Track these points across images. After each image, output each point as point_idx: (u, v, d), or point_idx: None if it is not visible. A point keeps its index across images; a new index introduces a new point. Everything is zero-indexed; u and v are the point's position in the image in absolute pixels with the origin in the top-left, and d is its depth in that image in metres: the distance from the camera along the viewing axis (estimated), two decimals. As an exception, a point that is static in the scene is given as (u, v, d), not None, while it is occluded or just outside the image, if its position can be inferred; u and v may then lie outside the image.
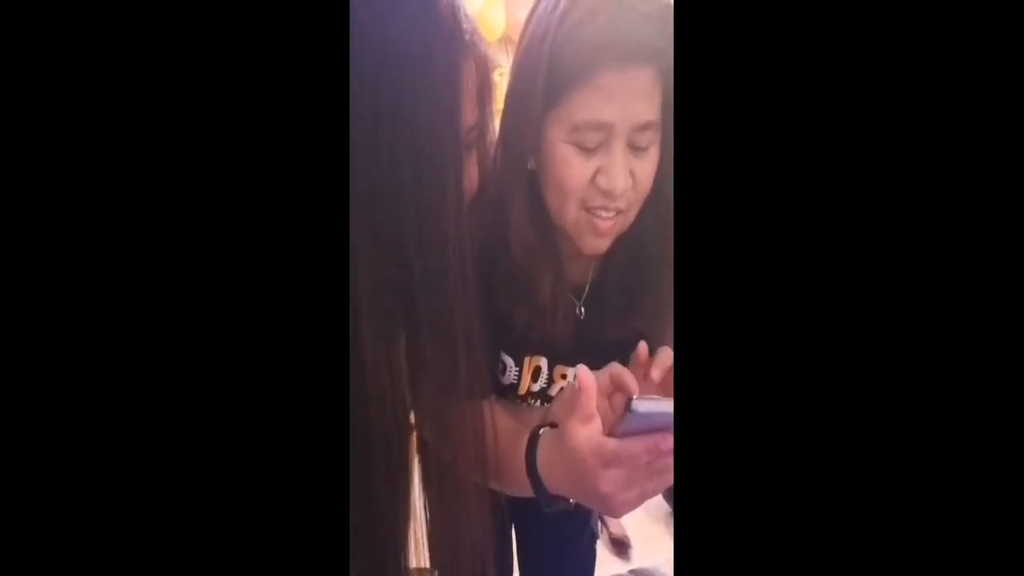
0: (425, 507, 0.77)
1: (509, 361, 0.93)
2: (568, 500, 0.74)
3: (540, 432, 0.76)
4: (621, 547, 2.33)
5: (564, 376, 0.95)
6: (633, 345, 0.86)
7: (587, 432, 0.67)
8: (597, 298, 0.90)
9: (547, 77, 0.74)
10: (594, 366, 0.88)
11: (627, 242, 0.85)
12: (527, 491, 0.74)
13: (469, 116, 0.63)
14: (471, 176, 0.66)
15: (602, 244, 0.81)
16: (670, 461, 0.66)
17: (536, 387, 0.97)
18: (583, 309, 0.90)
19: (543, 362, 0.96)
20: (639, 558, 2.34)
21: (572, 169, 0.76)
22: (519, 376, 0.93)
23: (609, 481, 0.65)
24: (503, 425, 0.78)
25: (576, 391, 0.68)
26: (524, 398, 0.97)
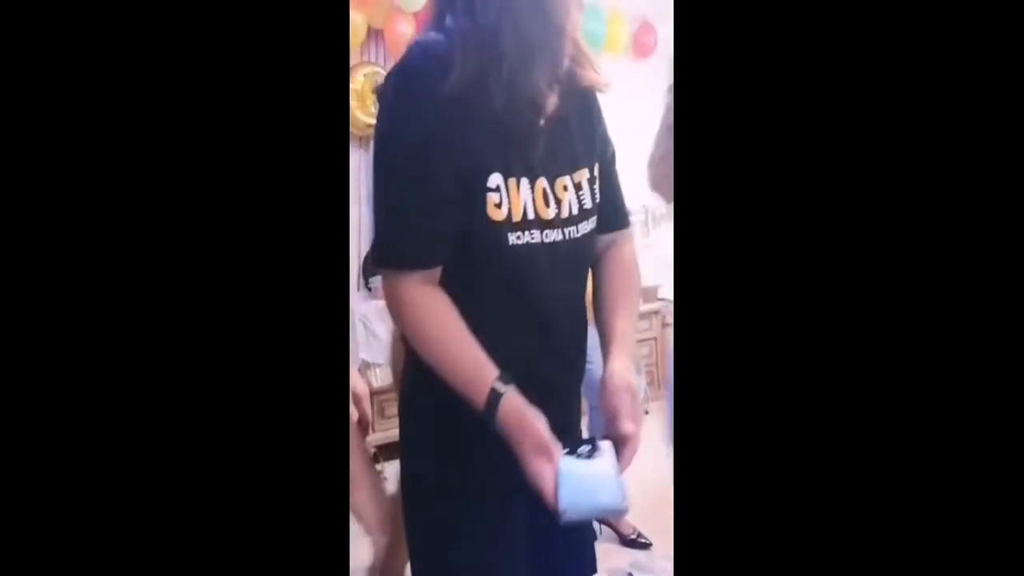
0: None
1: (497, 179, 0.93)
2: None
3: (503, 392, 0.88)
4: (637, 545, 2.33)
5: (566, 188, 0.97)
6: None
7: (540, 464, 0.87)
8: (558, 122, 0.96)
9: None
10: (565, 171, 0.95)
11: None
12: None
13: None
14: None
15: None
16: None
17: (551, 213, 0.96)
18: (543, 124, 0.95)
19: (544, 183, 0.95)
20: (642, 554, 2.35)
21: None
22: (508, 200, 0.93)
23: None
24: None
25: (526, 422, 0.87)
26: (522, 226, 0.95)
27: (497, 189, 0.91)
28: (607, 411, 0.96)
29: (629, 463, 0.95)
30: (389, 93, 0.92)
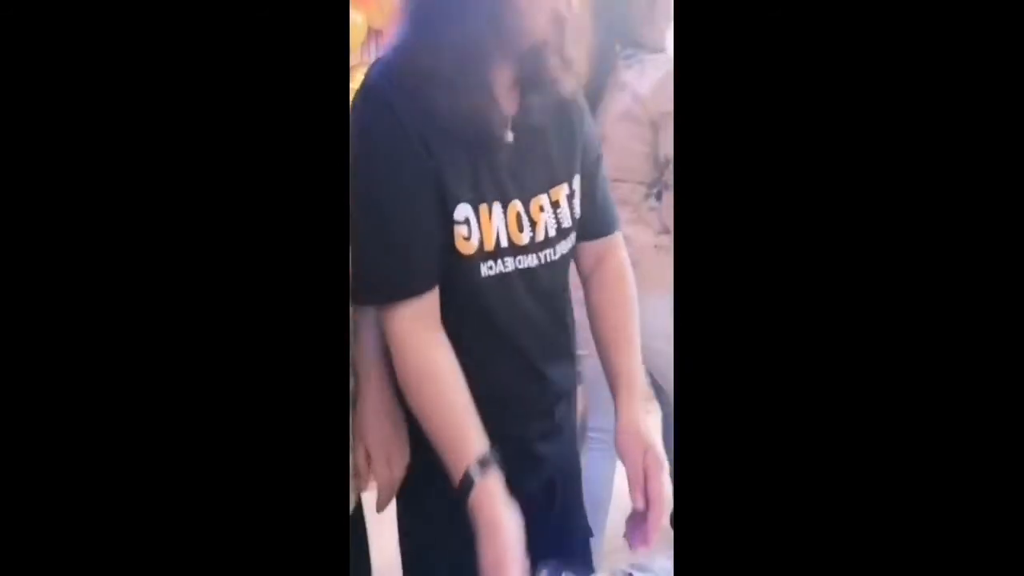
0: None
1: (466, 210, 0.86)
2: None
3: (475, 480, 0.80)
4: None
5: (542, 208, 0.90)
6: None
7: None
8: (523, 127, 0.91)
9: None
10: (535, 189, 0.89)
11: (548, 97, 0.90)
12: None
13: None
14: None
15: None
16: None
17: (525, 238, 0.89)
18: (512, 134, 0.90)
19: (519, 206, 0.88)
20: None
21: None
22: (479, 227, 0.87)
23: None
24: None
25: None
26: (495, 255, 0.89)
27: (465, 222, 0.85)
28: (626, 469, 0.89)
29: (656, 533, 0.87)
30: (355, 121, 0.84)
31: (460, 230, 0.86)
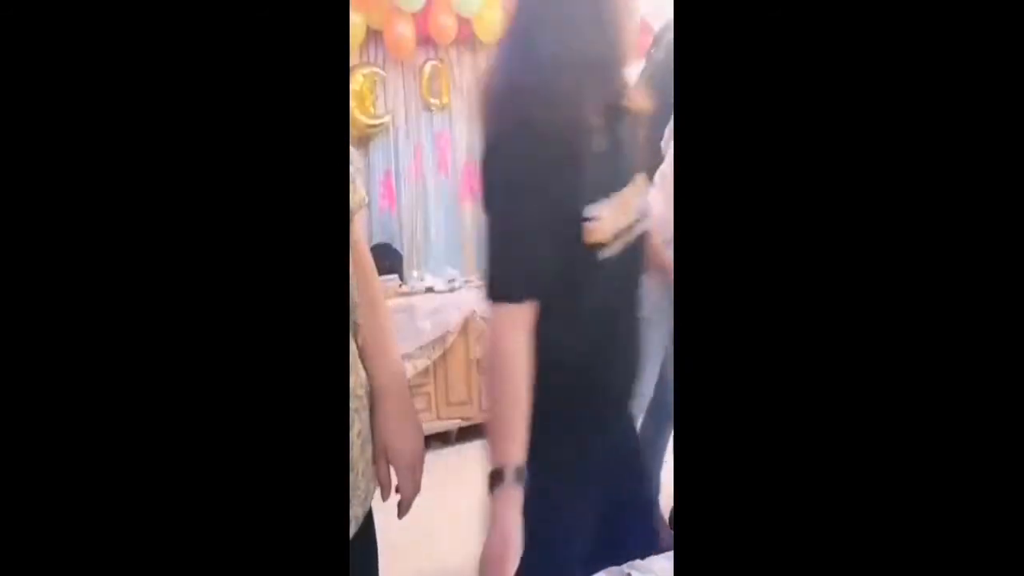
0: None
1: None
2: None
3: (500, 482, 0.93)
4: None
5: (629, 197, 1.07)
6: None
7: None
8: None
9: None
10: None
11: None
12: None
13: None
14: None
15: None
16: None
17: (629, 220, 1.05)
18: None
19: (619, 197, 1.03)
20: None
21: None
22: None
23: None
24: None
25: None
26: (609, 242, 1.03)
27: (596, 218, 1.00)
28: None
29: None
30: (489, 141, 1.00)
31: (588, 225, 1.00)
